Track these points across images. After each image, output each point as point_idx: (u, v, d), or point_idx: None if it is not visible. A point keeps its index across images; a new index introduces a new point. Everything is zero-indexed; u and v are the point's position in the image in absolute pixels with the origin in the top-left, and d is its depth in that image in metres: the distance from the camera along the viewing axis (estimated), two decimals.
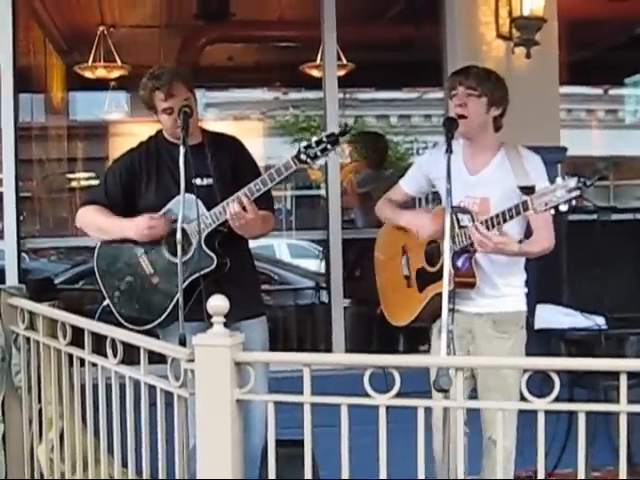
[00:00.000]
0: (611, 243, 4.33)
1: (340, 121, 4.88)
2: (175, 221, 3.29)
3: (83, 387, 3.19)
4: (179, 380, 2.60)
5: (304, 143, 3.21)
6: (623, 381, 2.17)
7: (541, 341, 4.16)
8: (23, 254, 4.98)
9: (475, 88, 3.31)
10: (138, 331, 3.22)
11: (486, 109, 3.34)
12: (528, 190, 3.00)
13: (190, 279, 3.32)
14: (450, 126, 3.21)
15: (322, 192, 5.77)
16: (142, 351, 2.79)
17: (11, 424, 3.77)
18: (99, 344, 3.04)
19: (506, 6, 4.79)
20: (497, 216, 3.08)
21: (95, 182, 7.56)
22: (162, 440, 2.76)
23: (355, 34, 6.51)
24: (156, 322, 3.44)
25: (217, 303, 2.41)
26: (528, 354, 3.34)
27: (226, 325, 2.42)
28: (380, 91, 11.14)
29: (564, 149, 4.92)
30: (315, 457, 2.49)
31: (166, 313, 3.41)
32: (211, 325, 2.41)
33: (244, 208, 3.24)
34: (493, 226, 3.08)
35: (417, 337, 4.67)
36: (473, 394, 3.29)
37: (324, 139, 3.19)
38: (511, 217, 3.05)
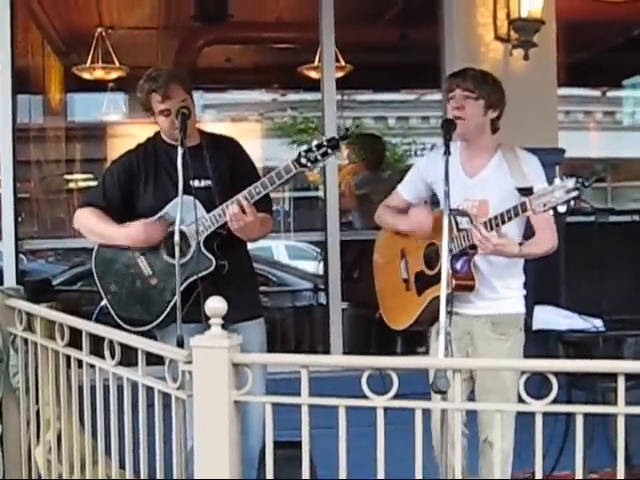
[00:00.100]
0: (609, 245, 4.33)
1: (339, 123, 4.88)
2: (172, 224, 3.29)
3: (81, 388, 3.19)
4: (177, 382, 2.60)
5: (305, 147, 3.21)
6: (621, 383, 2.17)
7: (539, 342, 4.15)
8: (21, 255, 4.97)
9: (472, 90, 3.31)
10: (136, 332, 3.21)
11: (483, 111, 3.34)
12: (526, 191, 3.00)
13: (188, 281, 3.32)
14: (448, 128, 3.21)
15: (320, 194, 5.77)
16: (140, 352, 2.79)
17: (9, 425, 3.77)
18: (97, 345, 3.04)
19: (504, 8, 4.80)
20: (496, 217, 3.08)
21: (93, 183, 7.55)
22: (160, 442, 2.75)
23: (353, 36, 6.52)
24: (154, 323, 3.44)
25: (215, 305, 2.41)
26: (526, 355, 3.35)
27: (224, 327, 2.42)
28: (378, 93, 11.15)
29: (562, 151, 4.92)
30: (313, 459, 2.50)
31: (164, 315, 3.41)
32: (209, 327, 2.41)
33: (244, 211, 3.24)
34: (492, 228, 3.08)
35: (415, 339, 4.67)
36: (472, 396, 3.29)
37: (325, 143, 3.18)
38: (509, 218, 3.05)
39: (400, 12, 6.76)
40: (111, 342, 2.92)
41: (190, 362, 2.46)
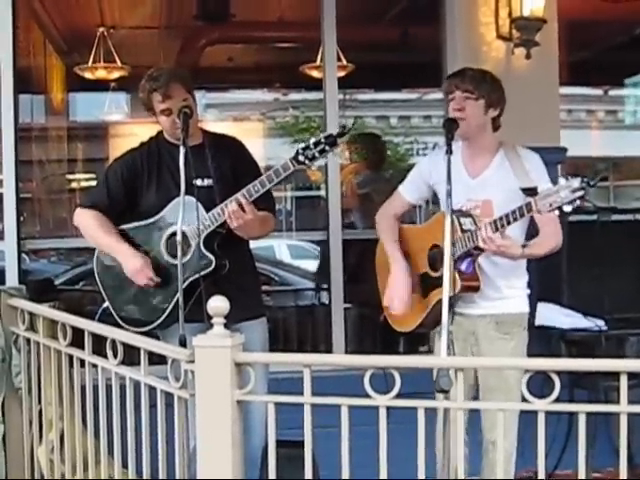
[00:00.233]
0: (611, 244, 4.33)
1: (341, 122, 4.88)
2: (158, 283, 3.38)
3: (83, 388, 3.19)
4: (179, 381, 2.60)
5: (302, 144, 3.21)
6: (623, 382, 2.17)
7: (541, 339, 4.15)
8: (23, 255, 4.98)
9: (472, 91, 3.30)
10: (138, 332, 3.22)
11: (484, 111, 3.33)
12: (531, 191, 2.99)
13: (189, 280, 3.32)
14: (450, 127, 3.21)
15: (322, 193, 5.77)
16: (142, 352, 2.79)
17: (11, 425, 3.77)
18: (99, 345, 3.04)
19: (506, 7, 4.80)
20: (501, 218, 3.06)
21: (95, 183, 7.56)
22: (162, 441, 2.75)
23: (355, 35, 6.51)
24: (156, 323, 3.44)
25: (217, 304, 2.41)
26: (528, 352, 3.35)
27: (226, 326, 2.42)
28: (380, 92, 11.14)
29: (564, 150, 4.92)
30: (315, 458, 2.50)
31: (165, 314, 3.41)
32: (211, 326, 2.41)
33: (243, 209, 3.24)
34: (497, 228, 3.06)
35: (417, 338, 4.67)
36: (475, 396, 3.29)
37: (322, 140, 3.19)
38: (515, 219, 3.03)
39: (402, 11, 6.75)
40: (113, 342, 2.92)
41: (192, 361, 2.46)
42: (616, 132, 13.40)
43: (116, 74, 7.73)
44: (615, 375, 2.19)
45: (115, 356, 2.92)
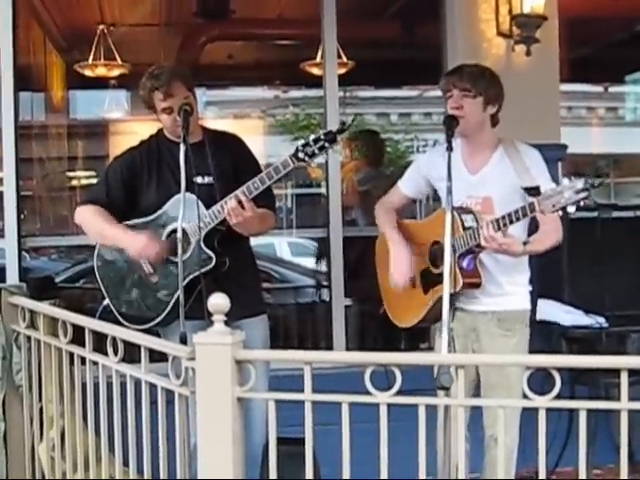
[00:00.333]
0: (612, 240, 4.33)
1: (341, 119, 4.88)
2: (169, 259, 3.35)
3: (84, 385, 3.19)
4: (180, 378, 2.60)
5: (302, 141, 3.20)
6: (624, 378, 2.17)
7: (542, 334, 4.14)
8: (24, 253, 4.99)
9: (470, 89, 3.29)
10: (139, 330, 3.22)
11: (482, 108, 3.32)
12: (533, 191, 2.98)
13: (189, 278, 3.32)
14: (450, 124, 3.20)
15: (323, 190, 5.77)
16: (143, 349, 2.79)
17: (12, 423, 3.77)
18: (100, 342, 3.05)
19: (506, 3, 4.80)
20: (504, 217, 3.05)
21: (95, 181, 7.55)
22: (163, 438, 2.76)
23: (355, 32, 6.50)
24: (156, 321, 3.44)
25: (218, 301, 2.41)
26: (529, 348, 3.35)
27: (227, 323, 2.42)
28: (380, 89, 11.13)
29: (564, 147, 4.92)
30: (316, 455, 2.50)
31: (166, 312, 3.41)
32: (212, 323, 2.41)
33: (242, 206, 3.24)
34: (499, 227, 3.06)
35: (417, 335, 4.67)
36: (476, 392, 3.29)
37: (322, 137, 3.18)
38: (517, 219, 3.02)
39: (402, 8, 6.74)
40: (114, 339, 2.92)
41: (193, 359, 2.46)
42: (616, 129, 13.39)
43: (116, 72, 7.73)
44: (616, 372, 2.19)
45: (116, 353, 2.92)
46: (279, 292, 7.38)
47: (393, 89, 11.25)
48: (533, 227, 3.29)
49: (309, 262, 8.21)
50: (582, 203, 2.83)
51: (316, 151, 3.18)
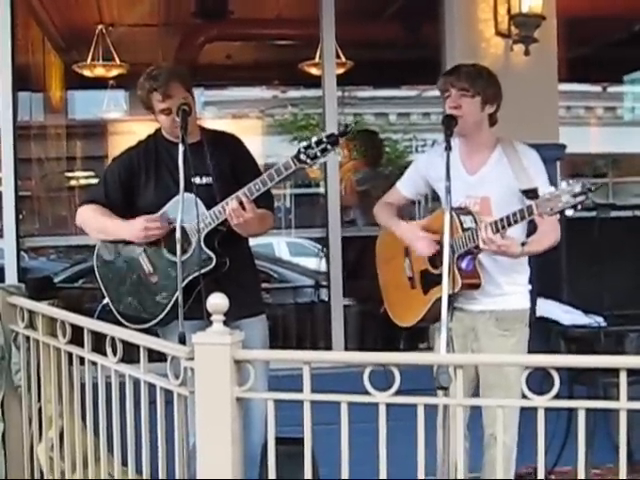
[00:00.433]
0: (610, 240, 4.33)
1: (340, 119, 4.88)
2: (172, 222, 3.30)
3: (83, 386, 3.20)
4: (179, 378, 2.60)
5: (304, 143, 3.19)
6: (623, 378, 2.18)
7: (541, 334, 4.15)
8: (22, 253, 4.98)
9: (467, 89, 3.29)
10: (138, 330, 3.22)
11: (480, 107, 3.33)
12: (531, 193, 2.98)
13: (189, 278, 3.31)
14: (449, 124, 3.20)
15: (321, 190, 5.78)
16: (142, 349, 2.79)
17: (11, 423, 3.77)
18: (99, 343, 3.05)
19: (505, 3, 4.80)
20: (502, 220, 3.06)
21: (94, 181, 7.56)
22: (162, 438, 2.76)
23: (354, 32, 6.51)
24: (155, 321, 3.44)
25: (217, 301, 2.41)
26: (528, 347, 3.35)
27: (226, 323, 2.42)
28: (379, 89, 11.13)
29: (563, 146, 4.92)
30: (315, 455, 2.50)
31: (165, 312, 3.41)
32: (211, 323, 2.41)
33: (243, 207, 3.24)
34: (498, 230, 3.06)
35: (416, 335, 4.67)
36: (476, 392, 3.29)
37: (324, 139, 3.18)
38: (516, 221, 3.03)
39: (401, 8, 6.74)
40: (113, 339, 2.92)
41: (192, 359, 2.46)
42: (615, 129, 13.40)
43: (115, 72, 7.72)
44: (614, 371, 2.20)
45: (114, 354, 2.92)
46: (278, 292, 7.37)
47: (392, 89, 11.26)
48: (531, 227, 3.29)
49: (308, 262, 8.22)
50: (579, 207, 2.84)
51: (318, 153, 3.18)
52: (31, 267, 6.98)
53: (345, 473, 2.38)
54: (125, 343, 2.89)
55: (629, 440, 2.28)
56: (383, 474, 2.35)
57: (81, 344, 3.12)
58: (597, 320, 4.25)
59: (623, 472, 2.26)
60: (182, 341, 2.95)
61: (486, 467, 3.30)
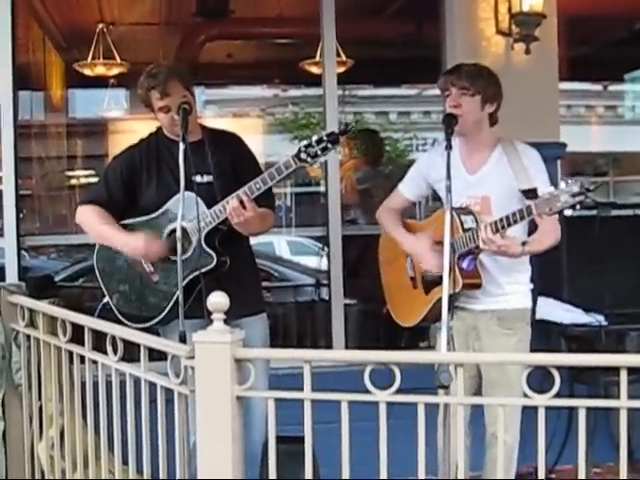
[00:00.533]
0: (611, 239, 4.33)
1: (340, 118, 4.87)
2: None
3: (83, 384, 3.19)
4: (179, 377, 2.60)
5: (305, 142, 3.19)
6: (623, 376, 2.17)
7: (541, 333, 4.14)
8: (23, 252, 4.98)
9: (468, 88, 3.29)
10: (138, 328, 3.22)
11: (480, 107, 3.32)
12: (531, 193, 2.99)
13: (190, 277, 3.31)
14: (449, 122, 3.20)
15: (322, 189, 5.78)
16: (142, 348, 2.79)
17: (11, 421, 3.77)
18: (99, 341, 3.05)
19: (505, 2, 4.80)
20: (501, 220, 3.06)
21: (94, 180, 7.55)
22: (162, 437, 2.76)
23: (354, 31, 6.51)
24: (156, 319, 3.44)
25: (217, 300, 2.41)
26: (530, 344, 3.35)
27: (226, 322, 2.42)
28: (379, 88, 11.14)
29: (564, 145, 4.92)
30: (315, 454, 2.49)
31: (166, 311, 3.41)
32: (211, 322, 2.42)
33: (244, 206, 3.24)
34: (497, 230, 3.06)
35: (417, 333, 4.67)
36: (478, 394, 3.28)
37: (324, 138, 3.17)
38: (515, 222, 3.04)
39: (401, 6, 6.75)
40: (113, 338, 2.92)
41: (192, 357, 2.46)
42: (615, 127, 13.41)
43: (115, 70, 7.73)
44: (615, 370, 2.20)
45: (115, 352, 2.92)
46: (279, 291, 7.38)
47: (392, 88, 11.27)
48: (532, 227, 3.29)
49: (308, 260, 8.22)
50: (578, 206, 2.84)
51: (319, 152, 3.17)
52: (32, 266, 6.99)
53: (346, 472, 2.38)
54: (126, 342, 2.89)
55: (630, 439, 2.28)
56: (384, 473, 2.35)
57: (82, 343, 3.12)
58: (598, 319, 4.26)
59: (623, 471, 2.26)
60: (183, 340, 2.95)
61: (487, 466, 3.30)
